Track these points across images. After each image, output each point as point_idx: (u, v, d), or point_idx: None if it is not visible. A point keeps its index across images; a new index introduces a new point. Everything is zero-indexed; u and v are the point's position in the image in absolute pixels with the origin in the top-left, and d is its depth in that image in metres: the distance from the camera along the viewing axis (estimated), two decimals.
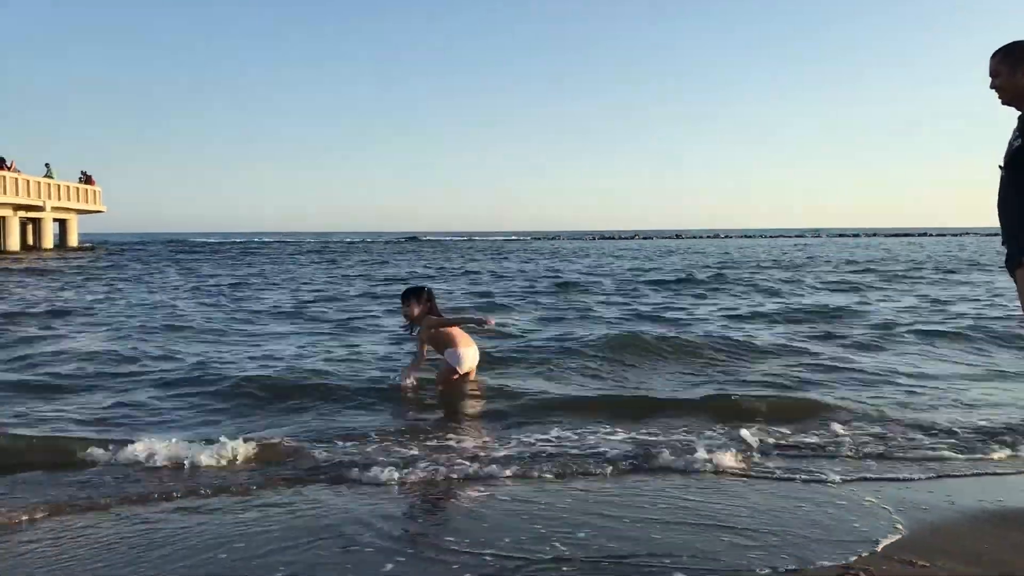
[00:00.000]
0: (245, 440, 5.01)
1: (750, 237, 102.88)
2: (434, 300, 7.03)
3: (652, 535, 3.71)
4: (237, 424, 5.84)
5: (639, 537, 3.68)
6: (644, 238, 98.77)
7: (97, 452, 4.89)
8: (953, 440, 5.33)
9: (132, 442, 4.97)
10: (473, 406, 6.44)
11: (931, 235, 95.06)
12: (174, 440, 5.01)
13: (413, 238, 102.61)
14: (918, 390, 6.93)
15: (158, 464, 4.74)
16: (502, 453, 5.05)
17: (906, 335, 10.20)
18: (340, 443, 5.25)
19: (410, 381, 6.79)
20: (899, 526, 3.82)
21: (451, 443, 5.30)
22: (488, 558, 3.42)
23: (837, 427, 5.64)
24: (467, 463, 4.82)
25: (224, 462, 4.78)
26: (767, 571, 3.28)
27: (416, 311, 6.91)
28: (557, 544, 3.56)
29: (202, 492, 4.31)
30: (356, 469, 4.66)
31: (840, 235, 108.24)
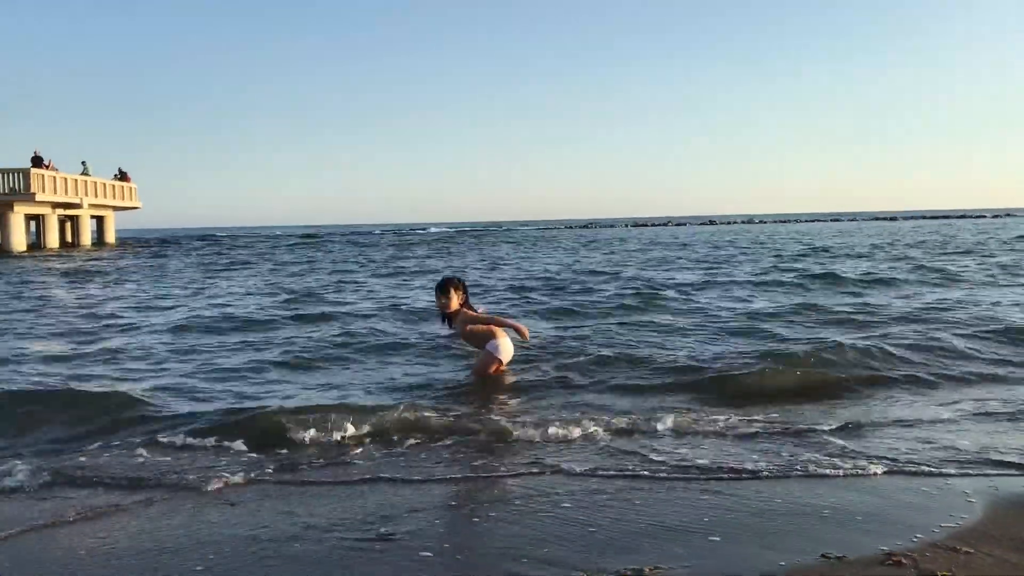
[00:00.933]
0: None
1: (786, 222, 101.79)
2: (467, 292, 6.97)
3: (693, 522, 3.72)
4: None
5: (676, 526, 3.70)
6: (677, 224, 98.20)
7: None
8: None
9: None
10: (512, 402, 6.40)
11: (970, 217, 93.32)
12: None
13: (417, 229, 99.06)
14: None
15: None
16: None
17: None
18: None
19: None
20: (945, 514, 3.79)
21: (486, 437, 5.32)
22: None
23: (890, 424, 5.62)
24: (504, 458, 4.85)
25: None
26: (809, 559, 3.27)
27: (454, 303, 6.80)
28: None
29: None
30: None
31: (875, 218, 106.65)
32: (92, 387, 6.84)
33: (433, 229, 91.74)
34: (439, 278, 7.25)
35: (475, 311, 6.91)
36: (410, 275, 21.54)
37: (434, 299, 7.02)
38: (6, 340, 9.92)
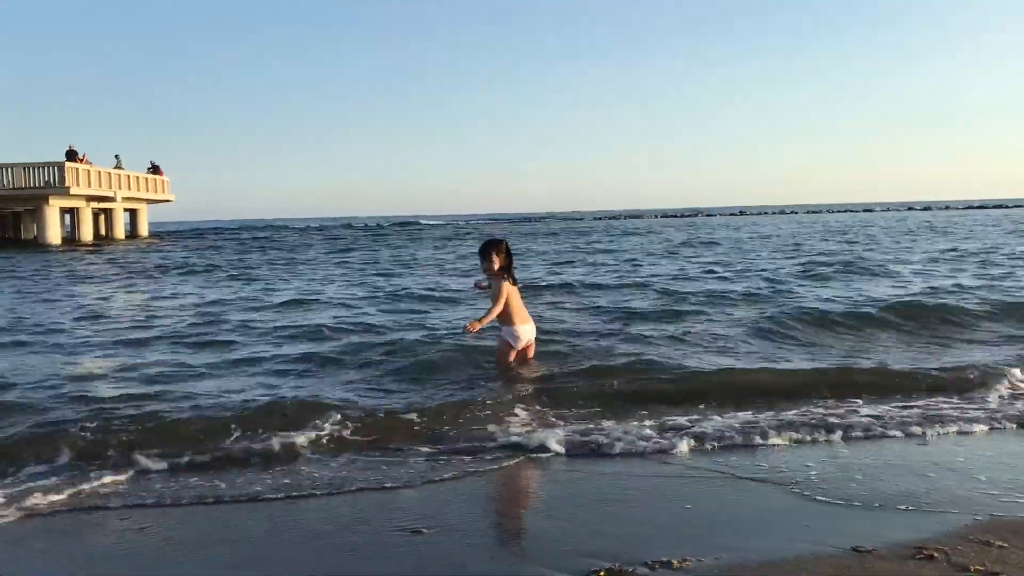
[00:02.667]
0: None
1: (818, 212, 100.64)
2: (511, 256, 6.84)
3: (721, 516, 3.73)
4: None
5: (705, 519, 3.70)
6: (707, 215, 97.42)
7: None
8: None
9: None
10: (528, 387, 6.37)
11: (1007, 207, 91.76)
12: None
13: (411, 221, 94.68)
14: None
15: None
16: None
17: None
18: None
19: (472, 328, 6.62)
20: (980, 507, 3.76)
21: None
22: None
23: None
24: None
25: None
26: (839, 551, 3.25)
27: (495, 266, 6.74)
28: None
29: None
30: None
31: (909, 208, 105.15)
32: None
33: (439, 221, 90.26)
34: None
35: (515, 280, 6.84)
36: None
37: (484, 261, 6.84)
38: None
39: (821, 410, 5.53)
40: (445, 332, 9.01)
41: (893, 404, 5.68)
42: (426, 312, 11.30)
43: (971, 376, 6.35)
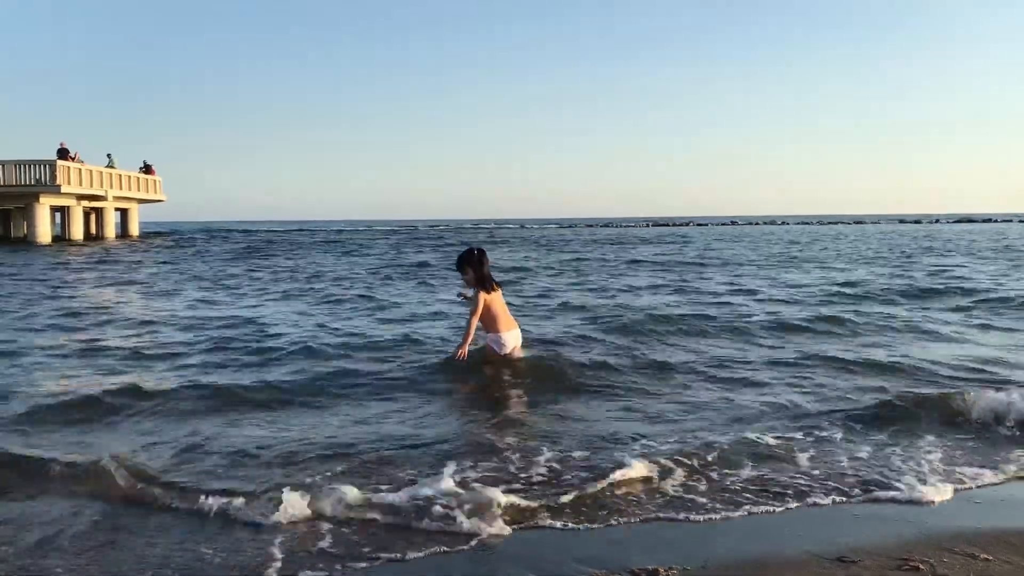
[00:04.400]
0: None
1: (809, 224, 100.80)
2: (485, 264, 6.74)
3: (706, 524, 3.72)
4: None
5: (690, 527, 3.69)
6: (699, 224, 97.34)
7: None
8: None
9: None
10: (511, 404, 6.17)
11: (996, 221, 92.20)
12: None
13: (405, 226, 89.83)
14: None
15: None
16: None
17: None
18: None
19: (462, 355, 6.60)
20: (962, 518, 3.76)
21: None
22: None
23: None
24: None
25: None
26: (826, 562, 3.25)
27: (469, 277, 6.72)
28: None
29: None
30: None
31: (900, 221, 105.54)
32: None
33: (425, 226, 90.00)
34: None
35: (496, 286, 6.77)
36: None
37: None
38: None
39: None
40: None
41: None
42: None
43: None
